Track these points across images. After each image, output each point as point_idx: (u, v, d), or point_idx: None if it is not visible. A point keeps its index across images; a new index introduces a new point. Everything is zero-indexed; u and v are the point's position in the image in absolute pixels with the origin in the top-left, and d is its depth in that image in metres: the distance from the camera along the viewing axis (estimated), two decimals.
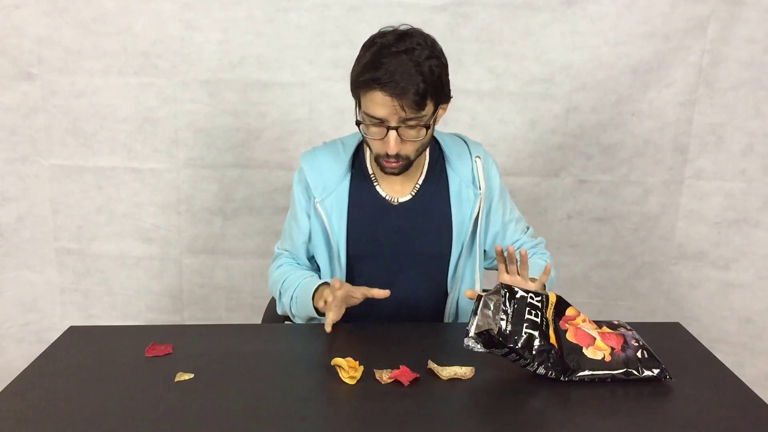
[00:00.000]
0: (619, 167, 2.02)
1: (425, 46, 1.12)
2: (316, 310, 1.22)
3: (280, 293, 1.33)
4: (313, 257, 1.38)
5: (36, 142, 1.97)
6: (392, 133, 1.13)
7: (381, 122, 1.13)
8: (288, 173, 2.03)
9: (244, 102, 1.97)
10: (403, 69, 1.08)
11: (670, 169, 2.01)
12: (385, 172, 1.22)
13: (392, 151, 1.15)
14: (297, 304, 1.27)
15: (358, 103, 1.17)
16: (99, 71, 1.92)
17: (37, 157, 1.99)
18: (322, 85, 1.96)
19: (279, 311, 1.36)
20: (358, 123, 1.17)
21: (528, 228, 1.44)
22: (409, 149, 1.18)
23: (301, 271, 1.35)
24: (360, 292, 1.18)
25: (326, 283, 1.23)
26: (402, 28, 1.15)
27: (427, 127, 1.16)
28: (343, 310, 1.19)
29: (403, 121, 1.12)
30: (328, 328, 1.15)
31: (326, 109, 1.98)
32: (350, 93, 1.19)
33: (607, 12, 1.88)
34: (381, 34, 1.15)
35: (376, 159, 1.21)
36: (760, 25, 1.86)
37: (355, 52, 1.88)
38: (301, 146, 2.01)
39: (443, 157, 1.32)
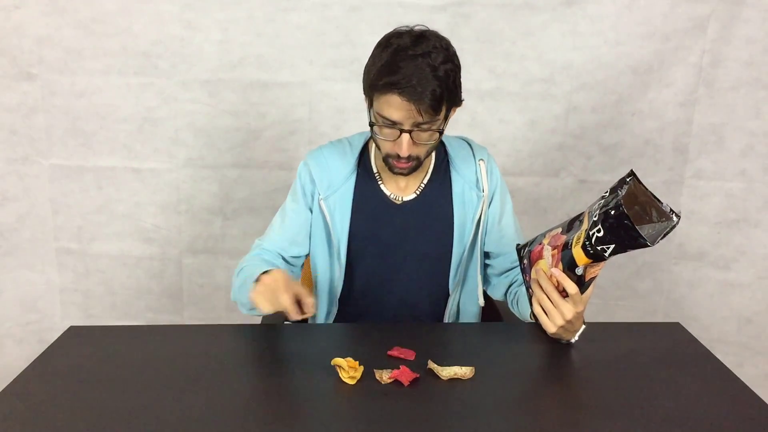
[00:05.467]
0: (619, 167, 2.01)
1: (441, 49, 1.11)
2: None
3: (236, 273, 1.25)
4: (295, 256, 1.33)
5: (36, 142, 1.97)
6: (405, 136, 1.13)
7: (394, 124, 1.13)
8: (288, 173, 2.03)
9: (244, 102, 1.97)
10: (421, 73, 1.08)
11: (670, 169, 2.01)
12: (394, 173, 1.22)
13: (404, 153, 1.15)
14: (240, 290, 1.20)
15: (371, 104, 1.16)
16: (99, 71, 1.92)
17: (37, 157, 1.99)
18: (322, 85, 1.96)
19: (232, 297, 1.28)
20: (371, 124, 1.16)
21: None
22: (420, 151, 1.18)
23: (263, 260, 1.27)
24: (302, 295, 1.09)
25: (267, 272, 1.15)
26: (417, 28, 1.14)
27: (441, 132, 1.16)
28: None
29: (417, 125, 1.12)
30: (311, 312, 1.08)
31: (326, 109, 1.98)
32: (356, 92, 1.18)
33: (607, 12, 1.88)
34: (397, 35, 1.13)
35: (385, 159, 1.21)
36: (760, 25, 1.86)
37: (355, 52, 1.92)
38: (301, 146, 2.01)
39: (448, 160, 1.33)
